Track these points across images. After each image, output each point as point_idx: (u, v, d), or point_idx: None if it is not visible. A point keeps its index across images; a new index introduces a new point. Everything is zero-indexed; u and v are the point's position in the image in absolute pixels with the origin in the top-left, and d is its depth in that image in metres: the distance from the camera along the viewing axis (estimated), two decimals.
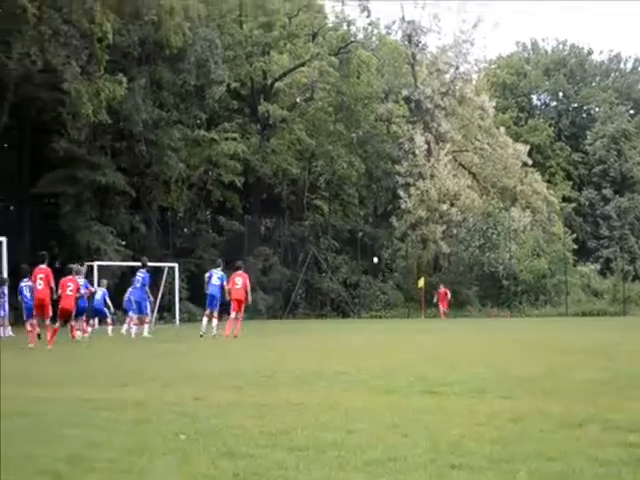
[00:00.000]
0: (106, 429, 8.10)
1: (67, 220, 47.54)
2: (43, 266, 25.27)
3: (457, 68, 60.53)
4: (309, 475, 5.93)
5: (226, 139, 54.11)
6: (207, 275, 28.57)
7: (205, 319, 28.05)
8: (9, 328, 32.52)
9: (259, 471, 6.08)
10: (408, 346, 22.10)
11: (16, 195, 49.74)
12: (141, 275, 29.53)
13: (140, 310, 30.02)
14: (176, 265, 44.48)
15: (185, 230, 57.78)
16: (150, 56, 50.82)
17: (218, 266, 28.92)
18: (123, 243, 48.79)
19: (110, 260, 45.08)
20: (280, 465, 6.27)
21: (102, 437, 7.64)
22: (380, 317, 53.69)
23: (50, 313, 25.13)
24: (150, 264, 31.02)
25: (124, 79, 43.74)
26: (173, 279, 43.14)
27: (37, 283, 24.88)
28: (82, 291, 27.43)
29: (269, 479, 5.88)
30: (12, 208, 49.91)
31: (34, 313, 25.22)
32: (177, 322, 40.15)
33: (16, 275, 30.84)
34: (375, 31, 66.41)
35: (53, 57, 40.01)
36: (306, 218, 61.46)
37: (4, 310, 32.22)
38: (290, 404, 9.73)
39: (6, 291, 32.19)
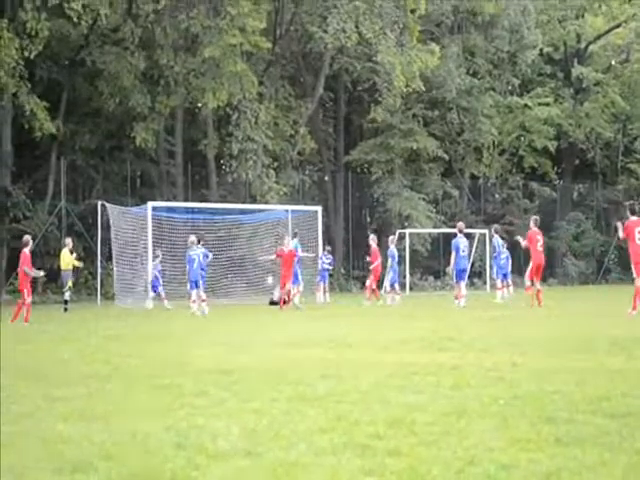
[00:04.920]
0: (425, 393, 8.29)
1: (379, 187, 48.64)
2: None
3: None
4: (633, 442, 5.81)
5: (539, 104, 53.52)
6: None
7: None
8: (328, 294, 33.89)
9: (581, 436, 6.03)
10: None
11: (330, 164, 51.41)
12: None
13: None
14: (486, 231, 44.45)
15: (496, 196, 57.66)
16: (462, 24, 50.96)
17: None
18: (434, 210, 49.30)
19: (421, 227, 45.81)
20: (603, 431, 6.20)
21: (422, 401, 7.82)
22: None
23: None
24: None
25: (437, 49, 44.10)
26: (484, 246, 43.14)
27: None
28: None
29: (592, 445, 5.76)
30: (327, 178, 51.55)
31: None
32: (487, 288, 40.13)
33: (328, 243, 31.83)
34: None
35: (368, 30, 40.92)
36: (620, 182, 59.94)
37: (324, 277, 33.71)
38: (609, 370, 9.64)
39: (325, 259, 33.75)
